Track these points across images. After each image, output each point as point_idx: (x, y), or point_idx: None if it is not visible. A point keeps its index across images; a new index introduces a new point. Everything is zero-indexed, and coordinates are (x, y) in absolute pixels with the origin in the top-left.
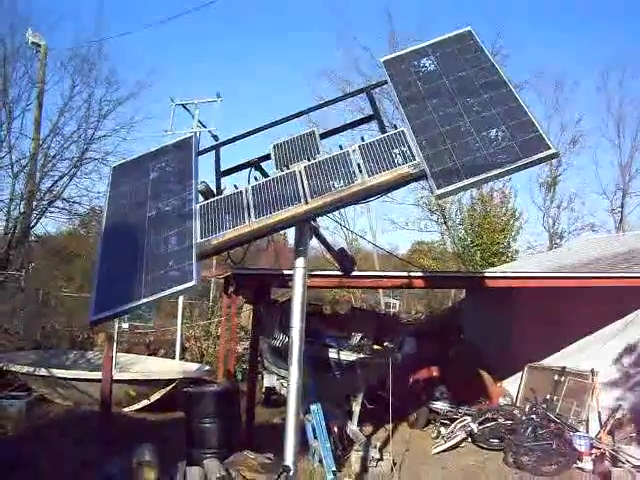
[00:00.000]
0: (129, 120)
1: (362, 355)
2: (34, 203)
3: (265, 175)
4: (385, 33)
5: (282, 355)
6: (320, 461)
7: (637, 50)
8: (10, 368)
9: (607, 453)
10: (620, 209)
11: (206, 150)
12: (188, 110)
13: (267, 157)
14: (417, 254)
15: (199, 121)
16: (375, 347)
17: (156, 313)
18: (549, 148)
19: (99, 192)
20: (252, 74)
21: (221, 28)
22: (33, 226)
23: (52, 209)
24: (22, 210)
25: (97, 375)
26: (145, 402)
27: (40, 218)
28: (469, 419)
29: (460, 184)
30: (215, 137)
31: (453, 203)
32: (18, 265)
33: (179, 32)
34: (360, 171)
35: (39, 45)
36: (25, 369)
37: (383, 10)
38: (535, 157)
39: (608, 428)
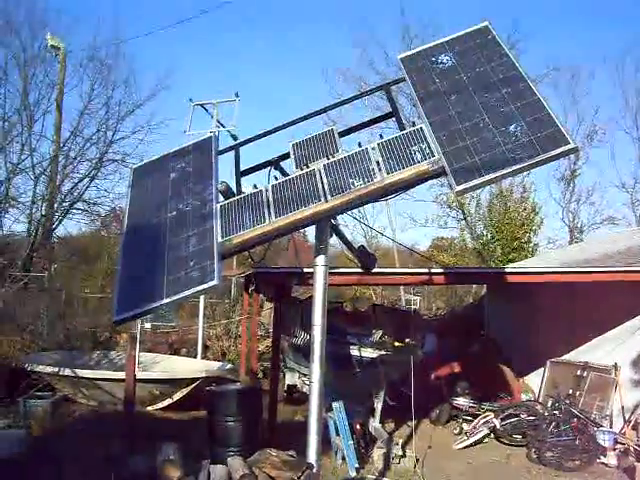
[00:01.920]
0: (147, 121)
1: (383, 352)
2: (55, 205)
3: (285, 174)
4: (398, 30)
5: (303, 353)
6: (343, 458)
7: None
8: (35, 369)
9: (631, 448)
10: None
11: (225, 150)
12: (207, 110)
13: (286, 156)
14: (437, 250)
15: (218, 121)
16: (396, 344)
17: (177, 313)
18: (568, 143)
19: (119, 193)
20: (268, 72)
21: (236, 27)
22: (55, 228)
23: (73, 211)
24: (44, 212)
25: (120, 375)
26: (168, 401)
27: (62, 220)
28: (491, 415)
29: (480, 180)
30: (234, 137)
31: (472, 199)
32: (41, 267)
33: (196, 32)
34: (379, 169)
35: (58, 48)
36: (49, 369)
37: (397, 8)
38: (554, 152)
39: (632, 423)
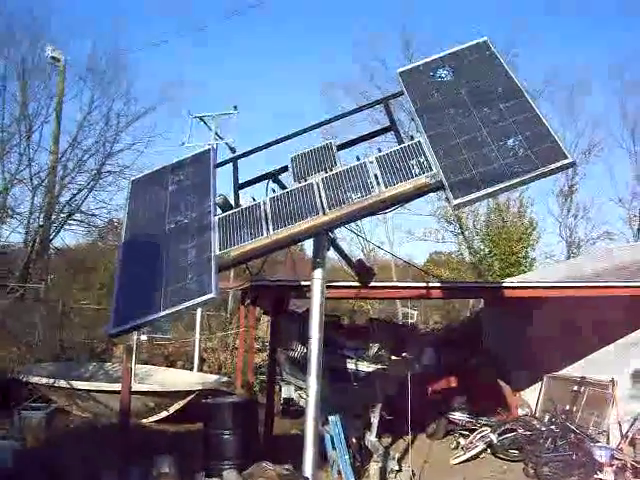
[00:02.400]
0: (146, 134)
1: (380, 366)
2: (53, 216)
3: (283, 187)
4: (399, 44)
5: (300, 366)
6: (339, 472)
7: None
8: (30, 380)
9: (628, 464)
10: (638, 217)
11: (224, 163)
12: (205, 123)
13: (285, 169)
14: (434, 265)
15: (216, 133)
16: (393, 358)
17: (174, 325)
18: (566, 157)
19: (117, 205)
20: (268, 87)
21: (237, 44)
22: (52, 238)
23: (71, 222)
24: (41, 223)
25: (116, 387)
26: (164, 413)
27: (59, 231)
28: (488, 430)
29: (478, 194)
30: (232, 149)
31: (470, 213)
32: (38, 278)
33: (195, 45)
34: (377, 182)
35: (58, 60)
36: (44, 380)
37: (398, 21)
38: (552, 166)
39: (629, 439)
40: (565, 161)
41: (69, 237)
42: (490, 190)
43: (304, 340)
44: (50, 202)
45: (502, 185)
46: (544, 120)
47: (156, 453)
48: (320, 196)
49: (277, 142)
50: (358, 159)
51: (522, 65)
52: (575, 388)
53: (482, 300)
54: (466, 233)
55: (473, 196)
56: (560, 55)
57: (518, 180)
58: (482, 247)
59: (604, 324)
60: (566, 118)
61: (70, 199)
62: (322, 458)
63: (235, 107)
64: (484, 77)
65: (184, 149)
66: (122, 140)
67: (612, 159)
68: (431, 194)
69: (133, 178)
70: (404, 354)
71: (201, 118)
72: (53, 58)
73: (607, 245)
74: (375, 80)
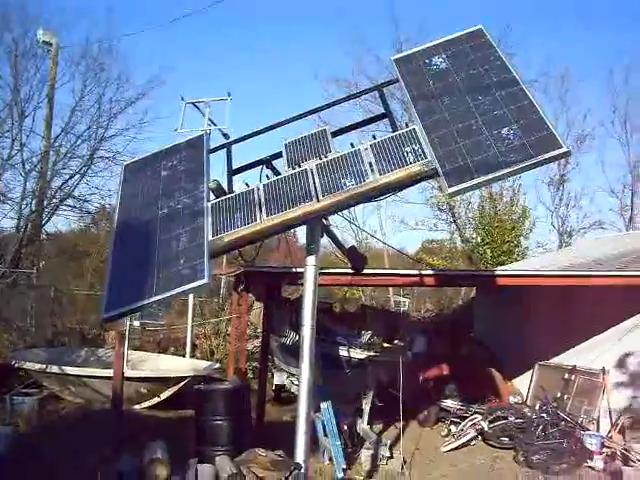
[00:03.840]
0: (139, 120)
1: (372, 353)
2: (45, 201)
3: (276, 173)
4: (390, 36)
5: (292, 353)
6: (330, 459)
7: None
8: (22, 365)
9: (618, 452)
10: (630, 207)
11: (217, 148)
12: (198, 109)
13: (278, 155)
14: (426, 253)
15: (210, 119)
16: (385, 345)
17: (166, 311)
18: (561, 146)
19: (110, 190)
20: (262, 73)
21: (229, 29)
22: (44, 224)
23: (63, 207)
24: (33, 208)
25: (108, 372)
26: (156, 400)
27: (51, 216)
28: (479, 417)
29: (472, 182)
30: (226, 135)
31: (462, 202)
32: (30, 263)
33: (188, 32)
34: (372, 169)
35: (50, 44)
36: (37, 366)
37: (388, 13)
38: (547, 155)
39: (619, 427)
40: (560, 150)
41: (61, 223)
42: (485, 178)
43: (296, 327)
44: (42, 187)
45: (497, 174)
46: (539, 109)
47: (149, 439)
48: (314, 182)
49: (271, 128)
50: (352, 146)
51: (513, 56)
52: (566, 376)
53: (474, 288)
54: (458, 222)
55: (467, 184)
56: (551, 44)
57: (513, 169)
58: (475, 236)
59: (596, 313)
60: (557, 108)
61: (62, 184)
62: (313, 445)
63: (229, 94)
64: (479, 65)
65: (177, 135)
66: (115, 126)
67: (603, 150)
68: (424, 183)
69: (126, 163)
70: (396, 341)
71: (194, 104)
72: (45, 42)
73: (600, 235)
74: (367, 72)
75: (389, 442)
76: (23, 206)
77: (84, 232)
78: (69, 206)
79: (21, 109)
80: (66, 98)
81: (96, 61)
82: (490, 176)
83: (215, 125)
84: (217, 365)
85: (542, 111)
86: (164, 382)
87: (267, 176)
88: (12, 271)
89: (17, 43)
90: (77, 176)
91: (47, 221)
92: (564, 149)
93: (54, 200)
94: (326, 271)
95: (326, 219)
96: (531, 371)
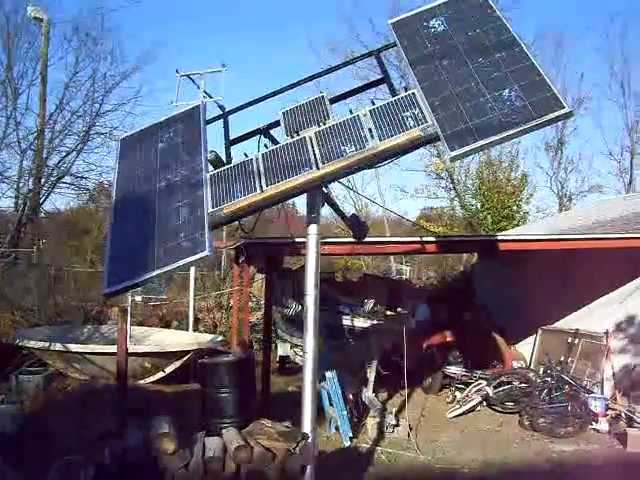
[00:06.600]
0: (134, 94)
1: (375, 321)
2: (42, 179)
3: (275, 142)
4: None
5: (295, 323)
6: (336, 428)
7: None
8: (25, 344)
9: (622, 414)
10: (629, 170)
11: (214, 119)
12: (194, 81)
13: (276, 124)
14: (426, 221)
15: (205, 92)
16: (388, 313)
17: (168, 285)
18: (563, 107)
19: (107, 166)
20: (256, 43)
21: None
22: (42, 202)
23: (61, 185)
24: (31, 187)
25: (112, 349)
26: (160, 374)
27: (49, 194)
28: (484, 383)
29: (474, 145)
30: (222, 107)
31: (462, 167)
32: (29, 242)
33: (181, 3)
34: (372, 135)
35: (41, 20)
36: (40, 345)
37: None
38: (549, 116)
39: (623, 389)
40: (562, 111)
41: (60, 200)
42: (487, 141)
43: (299, 297)
44: (39, 165)
45: (499, 136)
46: (540, 70)
47: (155, 414)
48: (313, 150)
49: (267, 97)
50: (351, 112)
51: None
52: (569, 340)
53: (476, 254)
54: (458, 188)
55: (469, 147)
56: (546, 7)
57: (515, 131)
58: (474, 202)
59: (598, 276)
60: (553, 71)
61: (59, 162)
62: (319, 414)
63: (223, 65)
64: (478, 27)
65: (173, 109)
66: (110, 101)
67: (602, 112)
68: (423, 150)
69: (122, 136)
70: (399, 309)
71: (189, 76)
72: (36, 18)
73: (600, 198)
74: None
75: (394, 410)
76: (21, 185)
77: (83, 209)
78: (67, 184)
79: (15, 87)
80: (61, 75)
81: (88, 35)
82: (492, 139)
83: (211, 97)
84: (220, 338)
85: (543, 71)
86: (168, 356)
87: (265, 145)
88: (12, 250)
89: (8, 19)
90: (74, 153)
91: (45, 199)
92: (567, 109)
93: (51, 178)
94: (327, 240)
95: (326, 187)
96: (534, 336)
